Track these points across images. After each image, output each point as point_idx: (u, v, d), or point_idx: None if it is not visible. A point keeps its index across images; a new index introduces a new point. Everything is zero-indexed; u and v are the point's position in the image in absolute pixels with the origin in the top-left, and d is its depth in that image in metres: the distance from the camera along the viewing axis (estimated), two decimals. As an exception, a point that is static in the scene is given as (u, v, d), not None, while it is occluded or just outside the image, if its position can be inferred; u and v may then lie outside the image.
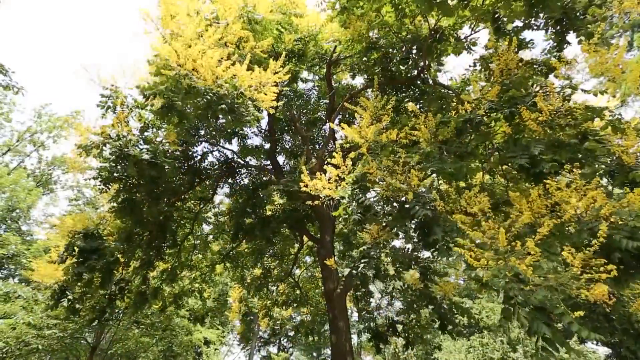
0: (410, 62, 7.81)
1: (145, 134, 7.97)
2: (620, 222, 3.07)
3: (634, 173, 3.41)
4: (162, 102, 5.27)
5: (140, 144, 7.80)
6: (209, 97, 4.76)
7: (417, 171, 3.91)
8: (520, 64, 4.62)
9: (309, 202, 4.67)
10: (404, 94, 9.17)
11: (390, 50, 7.77)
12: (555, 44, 6.11)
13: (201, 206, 11.12)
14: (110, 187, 7.42)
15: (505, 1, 4.70)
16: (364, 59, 8.29)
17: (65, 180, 24.64)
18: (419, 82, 8.50)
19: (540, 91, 4.09)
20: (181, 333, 14.12)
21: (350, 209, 4.10)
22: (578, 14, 5.74)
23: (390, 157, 4.18)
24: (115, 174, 7.15)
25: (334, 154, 4.48)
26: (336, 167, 4.44)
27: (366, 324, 10.36)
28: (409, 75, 8.29)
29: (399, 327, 9.05)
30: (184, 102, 5.13)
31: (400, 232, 4.54)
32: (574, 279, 2.85)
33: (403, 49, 7.66)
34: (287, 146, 12.13)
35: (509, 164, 4.28)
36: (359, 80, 11.02)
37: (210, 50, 4.57)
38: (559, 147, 4.02)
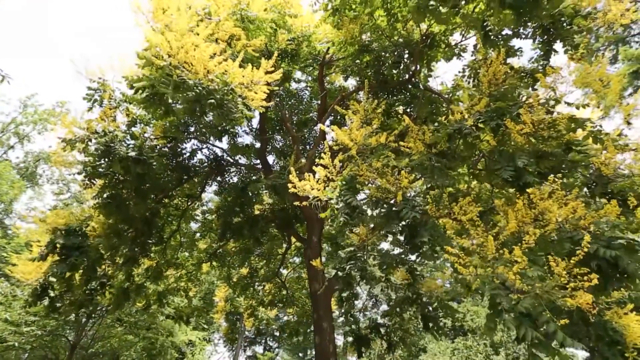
0: (402, 66, 7.86)
1: (133, 129, 7.85)
2: (597, 232, 3.15)
3: (613, 185, 3.50)
4: (149, 92, 5.16)
5: (127, 140, 7.67)
6: (198, 91, 4.70)
7: (406, 173, 3.94)
8: (507, 74, 4.70)
9: (297, 203, 4.66)
10: (395, 98, 9.23)
11: (383, 53, 7.81)
12: (542, 53, 6.25)
13: (189, 204, 10.98)
14: (95, 182, 7.28)
15: (494, 10, 4.77)
16: (357, 61, 8.32)
17: (51, 173, 24.05)
18: (410, 87, 8.57)
19: (525, 102, 4.16)
20: (163, 333, 13.92)
21: (337, 209, 4.11)
22: (565, 24, 5.88)
23: (380, 159, 4.20)
24: (100, 170, 7.01)
25: (323, 154, 4.48)
26: (325, 167, 4.44)
27: (349, 326, 10.39)
28: (401, 79, 8.35)
29: (382, 329, 9.11)
30: (174, 96, 5.04)
31: (388, 234, 4.57)
32: (559, 287, 2.91)
33: (395, 53, 7.71)
34: (278, 146, 12.09)
35: (495, 174, 4.34)
36: (352, 82, 11.06)
37: (204, 43, 4.52)
38: (542, 157, 4.10)
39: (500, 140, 4.22)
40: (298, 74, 11.55)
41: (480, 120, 4.26)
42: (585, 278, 2.73)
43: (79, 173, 6.80)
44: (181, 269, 11.70)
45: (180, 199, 10.89)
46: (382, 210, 4.12)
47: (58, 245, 6.68)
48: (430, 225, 3.82)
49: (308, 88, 12.14)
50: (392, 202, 3.99)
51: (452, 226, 3.82)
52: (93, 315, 13.17)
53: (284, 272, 14.29)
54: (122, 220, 8.05)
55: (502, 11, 5.00)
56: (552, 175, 3.91)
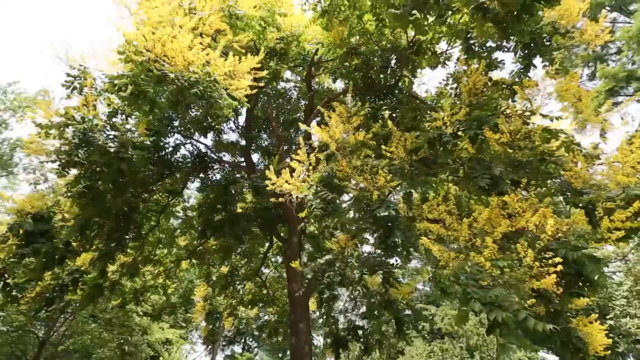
0: (389, 71, 7.97)
1: (114, 119, 7.64)
2: (564, 240, 3.26)
3: (581, 198, 3.63)
4: (132, 89, 5.07)
5: (107, 130, 7.46)
6: (180, 83, 4.62)
7: (385, 174, 3.99)
8: (487, 85, 4.83)
9: (274, 200, 4.64)
10: (381, 102, 9.33)
11: (370, 57, 7.89)
12: (522, 66, 6.45)
13: (170, 199, 10.77)
14: (69, 171, 7.03)
15: (477, 22, 4.89)
16: (345, 63, 8.38)
17: (29, 162, 23.13)
18: (396, 91, 8.68)
19: (503, 113, 4.28)
20: (138, 332, 13.58)
21: (312, 205, 4.11)
22: (544, 40, 6.09)
23: (360, 157, 4.25)
24: (76, 159, 6.78)
25: (298, 150, 4.49)
26: (300, 162, 4.45)
27: (328, 328, 10.41)
28: (387, 84, 8.45)
29: (360, 332, 9.16)
30: (156, 90, 4.96)
31: (365, 234, 4.61)
32: (527, 273, 2.99)
33: (382, 58, 7.81)
34: (264, 145, 12.02)
35: (473, 181, 4.44)
36: (340, 85, 11.13)
37: (181, 35, 4.45)
38: (518, 167, 4.23)
39: (478, 149, 4.33)
40: (287, 74, 11.54)
41: (459, 129, 4.36)
42: (551, 262, 2.82)
43: (52, 161, 6.55)
44: (159, 266, 11.46)
45: (160, 194, 10.67)
46: (359, 208, 4.16)
47: (22, 230, 6.39)
48: (404, 225, 3.88)
49: (296, 88, 12.13)
50: (368, 199, 4.02)
51: (425, 226, 3.89)
52: (66, 310, 12.74)
53: (266, 271, 14.19)
54: (98, 213, 7.82)
55: (484, 24, 5.14)
56: (526, 185, 4.05)
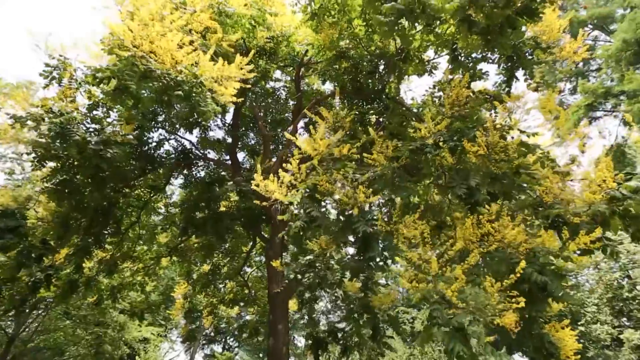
0: (377, 76, 8.03)
1: (94, 112, 7.43)
2: (533, 258, 3.38)
3: (548, 211, 3.76)
4: (115, 84, 4.94)
5: (87, 123, 7.25)
6: (165, 81, 4.54)
7: (364, 188, 4.04)
8: (469, 97, 4.94)
9: (257, 202, 4.62)
10: (369, 106, 9.40)
11: (359, 61, 7.94)
12: (505, 79, 6.62)
13: (151, 195, 10.56)
14: (45, 164, 6.81)
15: (462, 33, 4.99)
16: (334, 66, 8.41)
17: (4, 150, 22.23)
18: (384, 96, 8.76)
19: (483, 125, 4.38)
20: (115, 329, 13.26)
21: (297, 215, 4.12)
22: (527, 54, 6.27)
23: (341, 171, 4.27)
24: (52, 152, 6.56)
25: (291, 159, 4.48)
26: (289, 172, 4.44)
27: (309, 328, 10.43)
28: (375, 88, 8.53)
29: (339, 334, 9.20)
30: (139, 86, 4.85)
31: (344, 245, 4.65)
32: (491, 306, 3.09)
33: (371, 63, 7.87)
34: (250, 143, 11.93)
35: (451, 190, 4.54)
36: (329, 86, 11.15)
37: (171, 33, 4.37)
38: (495, 179, 4.34)
39: (458, 160, 4.42)
40: (277, 73, 11.48)
41: (440, 140, 4.44)
42: (514, 300, 2.92)
43: (28, 153, 6.33)
44: (138, 262, 11.22)
45: (142, 189, 10.45)
46: (339, 221, 4.19)
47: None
48: (382, 239, 3.93)
49: (285, 87, 12.09)
50: (349, 213, 4.06)
51: (406, 237, 3.95)
52: (38, 306, 12.32)
53: (248, 270, 14.09)
54: (75, 208, 7.60)
55: (469, 36, 5.25)
56: (501, 197, 4.17)
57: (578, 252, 3.36)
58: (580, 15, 18.55)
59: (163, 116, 9.79)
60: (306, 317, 12.83)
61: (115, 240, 10.08)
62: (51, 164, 6.90)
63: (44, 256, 7.47)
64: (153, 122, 9.41)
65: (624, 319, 18.18)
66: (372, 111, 9.52)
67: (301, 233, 4.15)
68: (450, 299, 3.02)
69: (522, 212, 4.31)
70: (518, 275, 3.04)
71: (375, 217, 3.94)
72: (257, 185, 4.63)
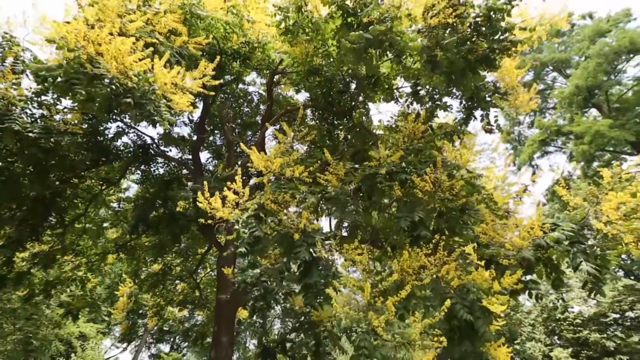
0: (347, 95, 8.17)
1: (43, 98, 6.88)
2: (465, 293, 3.58)
3: (483, 251, 4.02)
4: (64, 79, 4.60)
5: (34, 108, 6.70)
6: (113, 87, 4.29)
7: (312, 209, 4.08)
8: (426, 132, 5.16)
9: (202, 221, 4.50)
10: (338, 122, 9.52)
11: (332, 79, 8.03)
12: (464, 116, 6.98)
13: (103, 188, 9.96)
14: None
15: (426, 72, 5.22)
16: (308, 79, 8.44)
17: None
18: (354, 114, 8.92)
19: (433, 162, 4.59)
20: (48, 325, 12.30)
21: (242, 236, 4.07)
22: (485, 96, 6.66)
23: (289, 192, 4.28)
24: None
25: (236, 178, 4.41)
26: (235, 192, 4.37)
27: (259, 337, 10.33)
28: (346, 107, 8.66)
29: (288, 344, 9.20)
30: (86, 88, 4.53)
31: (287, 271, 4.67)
32: (415, 341, 3.22)
33: (343, 81, 7.99)
34: (217, 144, 11.63)
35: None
36: (302, 96, 11.18)
37: (120, 38, 4.13)
38: (440, 215, 4.55)
39: (407, 193, 4.59)
40: (254, 75, 11.30)
41: (393, 170, 4.60)
42: (436, 339, 3.08)
43: (-43, 138, 5.72)
44: (81, 257, 10.52)
45: (93, 181, 9.82)
46: (282, 244, 4.20)
47: None
48: (323, 265, 4.00)
49: (259, 91, 11.94)
50: (291, 238, 4.08)
51: (345, 264, 4.02)
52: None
53: (203, 272, 13.68)
54: (10, 197, 6.99)
55: (432, 75, 5.50)
56: (445, 234, 4.38)
57: (505, 292, 3.61)
58: (542, 56, 20.08)
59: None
60: (258, 323, 12.68)
61: (56, 233, 9.38)
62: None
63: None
64: (111, 114, 8.88)
65: (556, 337, 19.82)
66: (341, 126, 9.66)
67: (246, 254, 4.09)
68: (377, 330, 3.13)
69: (461, 248, 4.54)
70: (444, 312, 3.21)
71: (316, 242, 3.98)
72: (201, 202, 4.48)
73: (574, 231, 3.80)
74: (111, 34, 4.15)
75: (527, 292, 4.29)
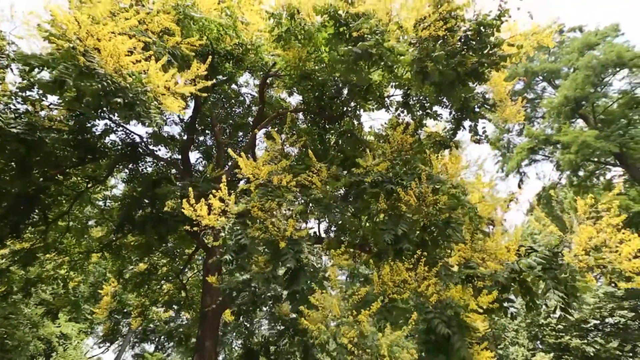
0: (339, 100, 8.18)
1: (28, 93, 6.73)
2: (441, 310, 3.63)
3: (463, 271, 4.07)
4: (53, 77, 4.51)
5: (17, 103, 6.54)
6: (105, 84, 4.22)
7: (295, 220, 4.08)
8: (414, 143, 5.20)
9: (187, 228, 4.46)
10: (330, 126, 9.53)
11: (324, 84, 8.03)
12: (454, 126, 7.06)
13: (89, 185, 9.77)
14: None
15: (416, 83, 5.26)
16: (300, 84, 8.42)
17: None
18: (343, 123, 8.94)
19: (419, 175, 4.62)
20: (26, 324, 12.01)
21: (226, 245, 4.05)
22: (474, 108, 6.75)
23: (276, 200, 4.27)
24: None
25: (221, 186, 4.39)
26: (221, 200, 4.34)
27: (243, 338, 10.28)
28: (337, 112, 8.67)
29: (272, 348, 9.18)
30: (76, 82, 4.46)
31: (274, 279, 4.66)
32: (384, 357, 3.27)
33: (335, 88, 8.01)
34: (208, 144, 11.53)
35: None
36: (295, 99, 11.13)
37: (121, 37, 4.07)
38: (424, 229, 4.59)
39: (392, 205, 4.62)
40: (247, 76, 11.22)
41: (379, 181, 4.62)
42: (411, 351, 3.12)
43: None
44: (64, 255, 10.30)
45: (79, 178, 9.62)
46: (269, 251, 4.19)
47: None
48: (310, 273, 4.01)
49: (252, 93, 11.88)
50: (277, 245, 4.07)
51: (333, 269, 4.04)
52: None
53: (190, 272, 13.54)
54: (-10, 194, 6.81)
55: (422, 86, 5.54)
56: (429, 247, 4.43)
57: (481, 310, 3.67)
58: (534, 65, 20.46)
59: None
60: (243, 325, 12.61)
61: (39, 230, 9.17)
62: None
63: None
64: (99, 111, 8.72)
65: (538, 342, 20.24)
66: (332, 131, 9.67)
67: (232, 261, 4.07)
68: (347, 346, 3.16)
69: (443, 260, 4.59)
70: (412, 325, 3.27)
71: (303, 250, 3.99)
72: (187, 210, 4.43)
73: (547, 258, 3.90)
74: (112, 32, 4.08)
75: (502, 311, 4.37)
